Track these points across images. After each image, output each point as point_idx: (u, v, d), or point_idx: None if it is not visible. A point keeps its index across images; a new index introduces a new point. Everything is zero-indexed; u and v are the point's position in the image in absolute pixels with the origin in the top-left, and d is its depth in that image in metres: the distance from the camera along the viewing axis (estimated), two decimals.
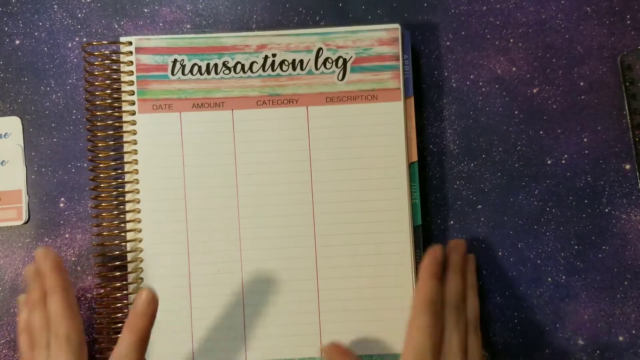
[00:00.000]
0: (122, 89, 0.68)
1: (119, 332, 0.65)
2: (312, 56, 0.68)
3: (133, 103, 0.68)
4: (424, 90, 0.71)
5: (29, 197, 0.71)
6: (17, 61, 0.72)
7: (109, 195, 0.68)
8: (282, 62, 0.68)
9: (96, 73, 0.69)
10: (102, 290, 0.68)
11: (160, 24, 0.72)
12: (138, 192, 0.67)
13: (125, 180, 0.67)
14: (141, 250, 0.67)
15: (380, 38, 0.68)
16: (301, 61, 0.68)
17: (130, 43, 0.68)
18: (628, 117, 0.70)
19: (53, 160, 0.71)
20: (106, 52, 0.69)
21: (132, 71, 0.68)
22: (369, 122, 0.67)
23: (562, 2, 0.71)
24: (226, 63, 0.68)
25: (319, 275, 0.67)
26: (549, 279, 0.70)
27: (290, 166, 0.67)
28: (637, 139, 0.70)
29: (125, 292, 0.67)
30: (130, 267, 0.67)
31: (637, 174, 0.70)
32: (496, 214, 0.70)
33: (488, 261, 0.70)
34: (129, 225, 0.67)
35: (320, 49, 0.68)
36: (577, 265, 0.70)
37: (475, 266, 0.68)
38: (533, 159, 0.70)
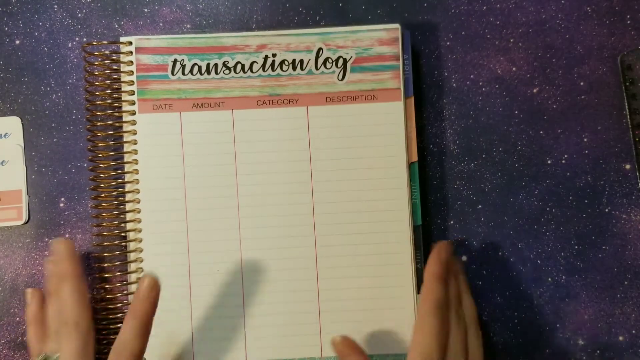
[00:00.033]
0: (122, 89, 0.68)
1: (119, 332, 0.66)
2: (312, 56, 0.68)
3: (133, 103, 0.68)
4: (424, 90, 0.71)
5: (29, 197, 0.71)
6: (17, 61, 0.72)
7: (109, 195, 0.68)
8: (282, 62, 0.68)
9: (96, 73, 0.69)
10: (102, 290, 0.68)
11: (160, 24, 0.72)
12: (138, 192, 0.67)
13: (126, 180, 0.67)
14: (141, 250, 0.67)
15: (380, 38, 0.68)
16: (301, 61, 0.68)
17: (130, 43, 0.68)
18: (628, 117, 0.70)
19: (53, 160, 0.71)
20: (106, 52, 0.68)
21: (132, 71, 0.68)
22: (369, 122, 0.67)
23: (562, 2, 0.71)
24: (226, 63, 0.68)
25: (319, 275, 0.67)
26: (549, 279, 0.70)
27: (290, 166, 0.67)
28: (637, 139, 0.70)
29: (125, 292, 0.67)
30: (130, 266, 0.67)
31: (637, 174, 0.70)
32: (496, 214, 0.70)
33: (488, 261, 0.70)
34: (129, 225, 0.67)
35: (320, 48, 0.68)
36: (577, 265, 0.70)
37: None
38: (533, 159, 0.70)
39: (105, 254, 0.69)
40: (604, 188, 0.70)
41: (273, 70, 0.68)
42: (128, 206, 0.67)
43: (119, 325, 0.65)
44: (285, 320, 0.67)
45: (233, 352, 0.66)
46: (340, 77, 0.68)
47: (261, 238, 0.67)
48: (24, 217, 0.70)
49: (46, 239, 0.71)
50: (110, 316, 0.66)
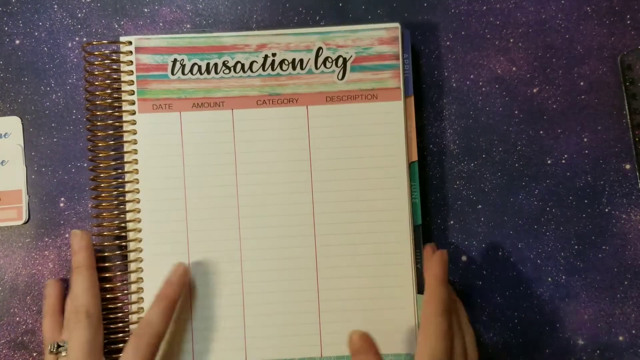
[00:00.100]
0: (122, 89, 0.68)
1: (119, 333, 0.66)
2: (312, 55, 0.68)
3: (133, 103, 0.67)
4: (424, 90, 0.71)
5: (29, 197, 0.71)
6: (17, 61, 0.72)
7: (109, 195, 0.68)
8: (282, 62, 0.68)
9: (96, 73, 0.69)
10: (103, 290, 0.67)
11: (160, 24, 0.72)
12: (138, 192, 0.67)
13: (126, 180, 0.67)
14: (141, 250, 0.67)
15: (380, 37, 0.68)
16: (301, 60, 0.68)
17: (130, 43, 0.68)
18: (628, 117, 0.70)
19: (53, 160, 0.71)
20: (106, 51, 0.68)
21: (132, 71, 0.68)
22: (369, 121, 0.67)
23: (562, 2, 0.71)
24: (226, 62, 0.68)
25: (319, 275, 0.67)
26: (549, 279, 0.70)
27: (290, 165, 0.67)
28: (637, 139, 0.70)
29: (125, 291, 0.67)
30: (130, 266, 0.67)
31: (637, 174, 0.70)
32: (496, 214, 0.70)
33: (488, 261, 0.70)
34: (129, 225, 0.67)
35: (320, 48, 0.68)
36: (577, 265, 0.70)
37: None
38: (533, 159, 0.70)
39: (105, 254, 0.69)
40: (604, 188, 0.70)
41: (273, 69, 0.68)
42: (128, 206, 0.67)
43: (120, 324, 0.66)
44: (285, 320, 0.67)
45: (233, 352, 0.66)
46: (340, 77, 0.67)
47: (261, 238, 0.67)
48: (24, 217, 0.70)
49: (46, 239, 0.71)
50: (111, 316, 0.66)
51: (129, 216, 0.67)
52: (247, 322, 0.67)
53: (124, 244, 0.67)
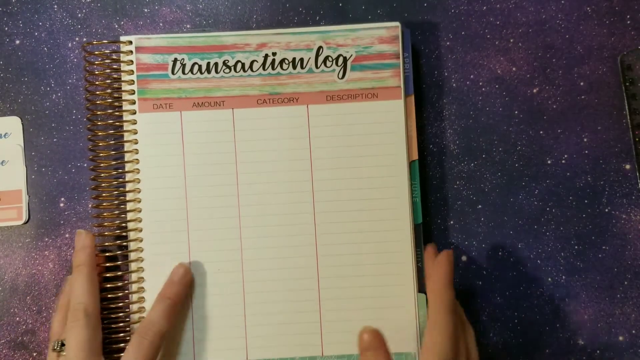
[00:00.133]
0: (123, 89, 0.68)
1: (120, 333, 0.65)
2: (312, 55, 0.68)
3: (133, 102, 0.67)
4: (424, 90, 0.71)
5: (29, 197, 0.71)
6: (17, 61, 0.72)
7: (110, 195, 0.68)
8: (282, 61, 0.68)
9: (96, 73, 0.69)
10: (103, 291, 0.67)
11: (160, 24, 0.72)
12: (139, 192, 0.67)
13: (126, 179, 0.67)
14: (142, 250, 0.67)
15: (381, 36, 0.68)
16: (301, 60, 0.68)
17: (131, 42, 0.68)
18: (628, 117, 0.70)
19: (53, 160, 0.71)
20: (106, 51, 0.68)
21: (132, 70, 0.68)
22: (369, 120, 0.67)
23: (562, 2, 0.72)
24: (226, 62, 0.68)
25: (320, 274, 0.67)
26: (549, 279, 0.70)
27: (291, 165, 0.67)
28: (637, 139, 0.70)
29: (126, 291, 0.67)
30: (131, 266, 0.67)
31: (637, 174, 0.70)
32: (496, 214, 0.70)
33: (488, 261, 0.70)
34: (129, 225, 0.67)
35: (320, 47, 0.68)
36: (577, 265, 0.70)
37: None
38: (533, 159, 0.70)
39: (106, 254, 0.69)
40: (604, 188, 0.70)
41: (273, 69, 0.68)
42: (128, 206, 0.67)
43: (121, 324, 0.66)
44: (286, 319, 0.67)
45: (234, 351, 0.66)
46: (340, 76, 0.68)
47: (262, 237, 0.67)
48: (24, 217, 0.70)
49: (46, 239, 0.71)
50: (112, 315, 0.66)
51: (129, 216, 0.67)
52: (247, 321, 0.67)
53: (124, 243, 0.67)
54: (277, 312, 0.67)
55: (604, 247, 0.70)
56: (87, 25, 0.72)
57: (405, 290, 0.66)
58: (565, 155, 0.70)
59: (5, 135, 0.71)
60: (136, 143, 0.67)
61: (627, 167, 0.70)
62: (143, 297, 0.66)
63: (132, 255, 0.67)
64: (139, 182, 0.67)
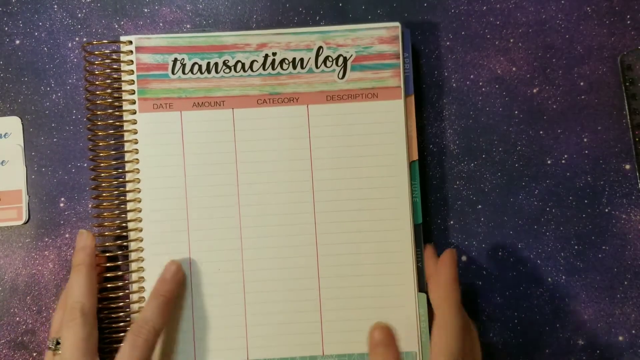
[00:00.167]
0: (123, 89, 0.68)
1: (120, 333, 0.65)
2: (313, 55, 0.68)
3: (133, 102, 0.67)
4: (424, 90, 0.71)
5: (29, 197, 0.71)
6: (17, 61, 0.72)
7: (110, 195, 0.68)
8: (282, 61, 0.68)
9: (96, 72, 0.69)
10: (103, 291, 0.67)
11: (160, 24, 0.72)
12: (139, 192, 0.67)
13: (126, 179, 0.67)
14: (142, 250, 0.67)
15: (381, 36, 0.68)
16: (301, 60, 0.68)
17: (131, 42, 0.68)
18: (628, 117, 0.70)
19: (53, 160, 0.71)
20: (106, 51, 0.68)
21: (132, 70, 0.68)
22: (369, 120, 0.67)
23: (562, 2, 0.72)
24: (226, 62, 0.68)
25: (320, 274, 0.67)
26: (549, 279, 0.70)
27: (291, 165, 0.67)
28: (637, 139, 0.70)
29: (126, 290, 0.67)
30: (131, 266, 0.67)
31: (637, 174, 0.70)
32: (496, 214, 0.70)
33: (488, 261, 0.70)
34: (129, 225, 0.67)
35: (320, 47, 0.68)
36: (577, 265, 0.70)
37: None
38: (533, 159, 0.70)
39: (106, 254, 0.69)
40: (604, 188, 0.70)
41: (273, 69, 0.68)
42: (129, 205, 0.67)
43: (121, 324, 0.66)
44: (287, 318, 0.67)
45: (234, 351, 0.66)
46: (340, 76, 0.68)
47: (262, 237, 0.67)
48: (24, 217, 0.70)
49: (46, 239, 0.71)
50: (113, 315, 0.66)
51: (129, 216, 0.67)
52: (248, 321, 0.67)
53: (124, 243, 0.67)
54: (277, 311, 0.67)
55: (604, 247, 0.70)
56: (87, 25, 0.72)
57: (405, 290, 0.66)
58: (565, 155, 0.70)
59: (5, 135, 0.71)
60: (136, 143, 0.67)
61: (627, 167, 0.70)
62: (143, 297, 0.66)
63: (133, 255, 0.67)
64: (139, 182, 0.67)
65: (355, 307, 0.67)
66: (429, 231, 0.70)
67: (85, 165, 0.71)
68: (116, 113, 0.68)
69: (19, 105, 0.72)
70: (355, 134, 0.67)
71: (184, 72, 0.67)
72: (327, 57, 0.68)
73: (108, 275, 0.67)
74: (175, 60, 0.67)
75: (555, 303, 0.69)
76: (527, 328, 0.70)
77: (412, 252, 0.67)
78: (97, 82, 0.69)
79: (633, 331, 0.69)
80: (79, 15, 0.72)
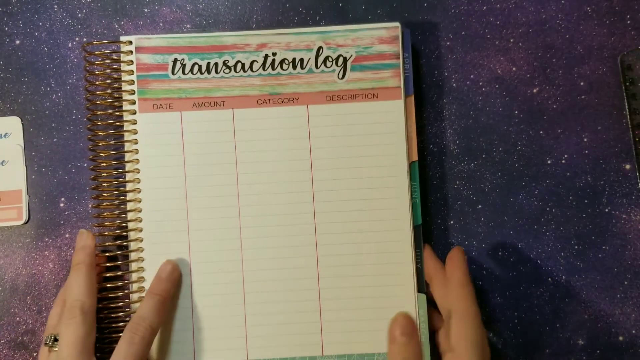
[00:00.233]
0: (123, 89, 0.68)
1: (119, 332, 0.65)
2: (312, 55, 0.68)
3: (133, 102, 0.67)
4: (424, 90, 0.71)
5: (29, 197, 0.71)
6: (17, 61, 0.72)
7: (110, 195, 0.68)
8: (282, 61, 0.68)
9: (96, 73, 0.69)
10: (103, 290, 0.67)
11: (160, 24, 0.72)
12: (139, 192, 0.67)
13: (126, 179, 0.67)
14: (142, 250, 0.67)
15: (381, 36, 0.68)
16: (301, 60, 0.68)
17: (131, 42, 0.68)
18: (628, 117, 0.70)
19: (53, 160, 0.71)
20: (106, 51, 0.68)
21: (132, 70, 0.68)
22: (369, 120, 0.67)
23: (562, 2, 0.72)
24: (226, 62, 0.68)
25: (320, 274, 0.67)
26: (549, 279, 0.70)
27: (291, 165, 0.67)
28: (637, 139, 0.70)
29: (126, 291, 0.67)
30: (131, 266, 0.67)
31: (637, 174, 0.70)
32: (496, 214, 0.70)
33: (488, 261, 0.70)
34: (130, 225, 0.67)
35: (320, 47, 0.68)
36: (577, 265, 0.70)
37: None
38: (533, 159, 0.70)
39: (106, 254, 0.69)
40: (604, 188, 0.70)
41: (273, 69, 0.68)
42: (129, 206, 0.67)
43: (120, 324, 0.66)
44: (286, 318, 0.67)
45: (234, 351, 0.66)
46: (340, 76, 0.68)
47: (262, 237, 0.67)
48: (24, 217, 0.70)
49: (46, 239, 0.71)
50: (113, 315, 0.66)
51: (129, 216, 0.67)
52: (248, 321, 0.67)
53: (124, 243, 0.67)
54: (277, 312, 0.67)
55: (604, 247, 0.70)
56: (87, 25, 0.72)
57: (405, 290, 0.66)
58: (565, 155, 0.70)
59: (5, 135, 0.71)
60: (136, 143, 0.67)
61: (627, 167, 0.70)
62: (143, 297, 0.66)
63: (133, 255, 0.67)
64: (139, 182, 0.67)
65: (355, 308, 0.67)
66: (429, 231, 0.70)
67: (85, 165, 0.71)
68: (116, 113, 0.68)
69: (19, 105, 0.72)
70: (355, 134, 0.67)
71: (184, 73, 0.67)
72: (327, 57, 0.68)
73: (108, 275, 0.67)
74: (175, 60, 0.67)
75: (555, 303, 0.69)
76: (527, 328, 0.70)
77: (412, 253, 0.67)
78: (97, 82, 0.69)
79: (633, 331, 0.69)
80: (79, 15, 0.72)
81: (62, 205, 0.71)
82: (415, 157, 0.68)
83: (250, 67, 0.68)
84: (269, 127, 0.67)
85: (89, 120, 0.69)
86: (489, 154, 0.71)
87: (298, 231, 0.67)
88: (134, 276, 0.67)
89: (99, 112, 0.69)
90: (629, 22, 0.71)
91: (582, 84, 0.71)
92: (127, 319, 0.66)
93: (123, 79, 0.68)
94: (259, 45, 0.68)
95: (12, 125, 0.71)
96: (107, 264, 0.67)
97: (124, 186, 0.67)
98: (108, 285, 0.67)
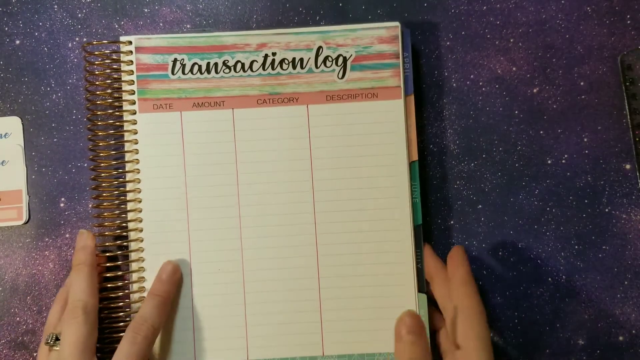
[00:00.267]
0: (123, 89, 0.68)
1: (119, 332, 0.65)
2: (312, 55, 0.68)
3: (133, 102, 0.67)
4: (424, 90, 0.71)
5: (29, 197, 0.71)
6: (17, 61, 0.72)
7: (110, 195, 0.68)
8: (282, 61, 0.68)
9: (96, 73, 0.69)
10: (103, 291, 0.67)
11: (160, 24, 0.72)
12: (139, 192, 0.67)
13: (126, 179, 0.67)
14: (142, 250, 0.67)
15: (380, 36, 0.68)
16: (301, 60, 0.68)
17: (130, 42, 0.68)
18: (628, 117, 0.70)
19: (53, 160, 0.71)
20: (106, 51, 0.68)
21: (132, 70, 0.68)
22: (369, 120, 0.67)
23: (562, 2, 0.72)
24: (226, 62, 0.68)
25: (320, 274, 0.67)
26: (549, 279, 0.70)
27: (291, 165, 0.67)
28: (637, 139, 0.70)
29: (126, 290, 0.67)
30: (131, 266, 0.67)
31: (637, 174, 0.70)
32: (496, 214, 0.70)
33: (488, 261, 0.70)
34: (130, 225, 0.67)
35: (320, 47, 0.68)
36: (577, 265, 0.70)
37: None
38: (533, 159, 0.70)
39: (107, 254, 0.69)
40: (604, 188, 0.70)
41: (273, 69, 0.68)
42: (129, 206, 0.67)
43: (121, 324, 0.66)
44: (287, 318, 0.67)
45: (234, 351, 0.66)
46: (340, 76, 0.68)
47: (262, 237, 0.67)
48: (24, 217, 0.70)
49: (46, 239, 0.71)
50: (113, 315, 0.66)
51: (130, 216, 0.67)
52: (248, 321, 0.67)
53: (124, 243, 0.67)
54: (277, 312, 0.67)
55: (604, 247, 0.70)
56: (87, 25, 0.72)
57: (405, 290, 0.66)
58: (565, 155, 0.70)
59: (5, 135, 0.71)
60: (136, 143, 0.67)
61: (627, 167, 0.70)
62: (144, 297, 0.66)
63: (133, 255, 0.67)
64: (139, 182, 0.67)
65: (355, 308, 0.67)
66: (429, 231, 0.70)
67: (85, 165, 0.71)
68: (116, 113, 0.68)
69: (19, 105, 0.72)
70: (355, 133, 0.67)
71: (183, 73, 0.67)
72: (326, 57, 0.68)
73: (108, 275, 0.67)
74: (175, 60, 0.67)
75: (555, 303, 0.69)
76: (527, 328, 0.69)
77: (412, 253, 0.67)
78: (97, 82, 0.69)
79: (633, 331, 0.69)
80: (79, 15, 0.72)
81: (62, 205, 0.71)
82: (415, 157, 0.68)
83: (250, 67, 0.68)
84: (269, 127, 0.67)
85: (89, 120, 0.69)
86: (489, 154, 0.71)
87: (298, 231, 0.67)
88: (134, 276, 0.67)
89: (99, 112, 0.69)
90: (629, 22, 0.71)
91: (582, 84, 0.71)
92: (128, 319, 0.66)
93: (123, 79, 0.68)
94: (259, 45, 0.68)
95: (12, 125, 0.71)
96: (108, 264, 0.67)
97: (124, 186, 0.67)
98: (108, 285, 0.67)
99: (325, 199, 0.67)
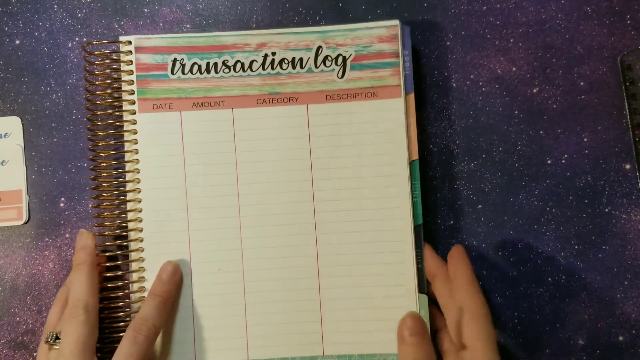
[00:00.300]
0: (122, 89, 0.68)
1: (120, 332, 0.65)
2: (312, 54, 0.68)
3: (133, 102, 0.67)
4: (424, 89, 0.71)
5: (29, 197, 0.71)
6: (17, 61, 0.72)
7: (110, 195, 0.68)
8: (281, 61, 0.68)
9: (96, 73, 0.69)
10: (104, 290, 0.67)
11: (160, 24, 0.72)
12: (139, 192, 0.67)
13: (126, 179, 0.67)
14: (142, 250, 0.67)
15: (380, 35, 0.68)
16: (301, 59, 0.68)
17: (130, 42, 0.68)
18: (628, 117, 0.70)
19: (53, 160, 0.71)
20: (106, 51, 0.68)
21: (132, 70, 0.68)
22: (369, 119, 0.67)
23: (562, 2, 0.72)
24: (226, 62, 0.68)
25: (320, 273, 0.67)
26: (549, 279, 0.70)
27: (291, 164, 0.67)
28: (637, 139, 0.70)
29: (127, 290, 0.67)
30: (131, 266, 0.67)
31: (637, 174, 0.70)
32: (496, 214, 0.70)
33: (488, 261, 0.70)
34: (130, 225, 0.67)
35: (319, 47, 0.68)
36: (577, 265, 0.70)
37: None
38: (533, 158, 0.70)
39: (107, 254, 0.69)
40: (604, 188, 0.70)
41: (273, 68, 0.68)
42: (129, 205, 0.67)
43: (121, 324, 0.66)
44: (287, 318, 0.67)
45: (234, 351, 0.66)
46: (340, 75, 0.67)
47: (262, 237, 0.67)
48: (24, 217, 0.70)
49: (46, 239, 0.71)
50: (113, 315, 0.66)
51: (129, 216, 0.67)
52: (248, 320, 0.67)
53: (124, 243, 0.67)
54: (277, 311, 0.67)
55: (604, 247, 0.70)
56: (87, 25, 0.72)
57: (405, 290, 0.66)
58: (565, 155, 0.70)
59: (5, 135, 0.71)
60: (136, 143, 0.67)
61: (627, 167, 0.70)
62: (144, 297, 0.66)
63: (133, 255, 0.67)
64: (139, 182, 0.67)
65: (355, 308, 0.67)
66: (429, 231, 0.70)
67: (85, 165, 0.71)
68: (116, 113, 0.68)
69: (19, 105, 0.72)
70: (355, 133, 0.67)
71: (183, 72, 0.67)
72: (326, 57, 0.68)
73: (108, 275, 0.67)
74: (175, 60, 0.67)
75: (555, 303, 0.69)
76: (527, 328, 0.69)
77: (412, 253, 0.67)
78: (97, 82, 0.69)
79: (633, 331, 0.69)
80: (79, 15, 0.72)
81: (62, 205, 0.71)
82: (415, 156, 0.67)
83: (250, 66, 0.68)
84: (268, 126, 0.67)
85: (89, 120, 0.69)
86: (489, 154, 0.70)
87: (298, 231, 0.67)
88: (134, 276, 0.67)
89: (99, 112, 0.69)
90: (629, 22, 0.71)
91: (582, 84, 0.71)
92: (128, 319, 0.66)
93: (123, 79, 0.68)
94: (259, 45, 0.68)
95: (12, 125, 0.71)
96: (108, 264, 0.67)
97: (124, 186, 0.67)
98: (108, 285, 0.67)
99: (325, 199, 0.67)
